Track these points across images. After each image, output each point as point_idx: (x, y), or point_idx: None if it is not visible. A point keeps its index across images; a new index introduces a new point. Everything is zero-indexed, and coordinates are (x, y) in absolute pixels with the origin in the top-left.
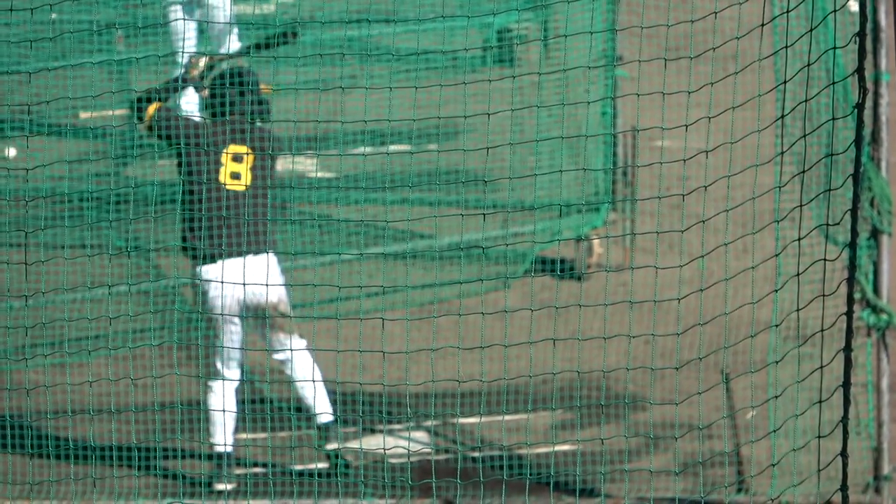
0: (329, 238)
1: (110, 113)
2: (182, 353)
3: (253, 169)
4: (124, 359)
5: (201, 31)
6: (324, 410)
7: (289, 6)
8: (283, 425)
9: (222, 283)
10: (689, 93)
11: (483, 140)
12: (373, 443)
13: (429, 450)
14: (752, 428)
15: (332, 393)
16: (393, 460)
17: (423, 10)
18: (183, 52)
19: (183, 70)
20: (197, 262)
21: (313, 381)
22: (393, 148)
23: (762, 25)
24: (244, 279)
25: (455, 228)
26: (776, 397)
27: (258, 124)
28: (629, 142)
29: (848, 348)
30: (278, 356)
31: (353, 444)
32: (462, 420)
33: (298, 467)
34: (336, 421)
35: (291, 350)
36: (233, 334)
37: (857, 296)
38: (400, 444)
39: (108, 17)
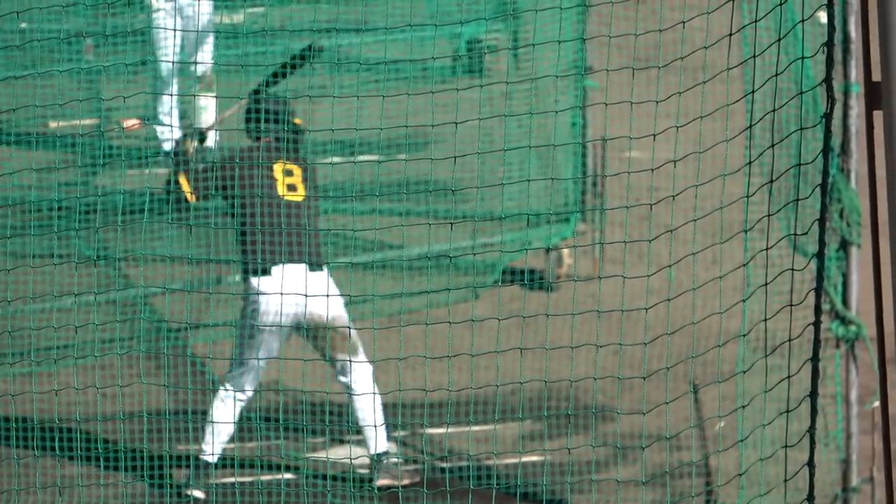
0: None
1: (79, 122)
2: (150, 362)
3: (304, 181)
4: (91, 368)
5: (182, 44)
6: (380, 440)
7: (258, 16)
8: (251, 436)
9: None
10: (657, 102)
11: (452, 150)
12: (340, 452)
13: (396, 459)
14: (720, 438)
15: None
16: (360, 470)
17: (393, 19)
18: (165, 60)
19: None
20: (256, 274)
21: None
22: (362, 158)
23: (730, 35)
24: (300, 290)
25: (424, 239)
26: (743, 407)
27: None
28: (598, 152)
29: (815, 358)
30: (342, 378)
31: (321, 454)
32: (429, 430)
33: (266, 477)
34: (386, 453)
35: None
36: (273, 349)
37: (826, 307)
38: (366, 454)
39: (77, 26)
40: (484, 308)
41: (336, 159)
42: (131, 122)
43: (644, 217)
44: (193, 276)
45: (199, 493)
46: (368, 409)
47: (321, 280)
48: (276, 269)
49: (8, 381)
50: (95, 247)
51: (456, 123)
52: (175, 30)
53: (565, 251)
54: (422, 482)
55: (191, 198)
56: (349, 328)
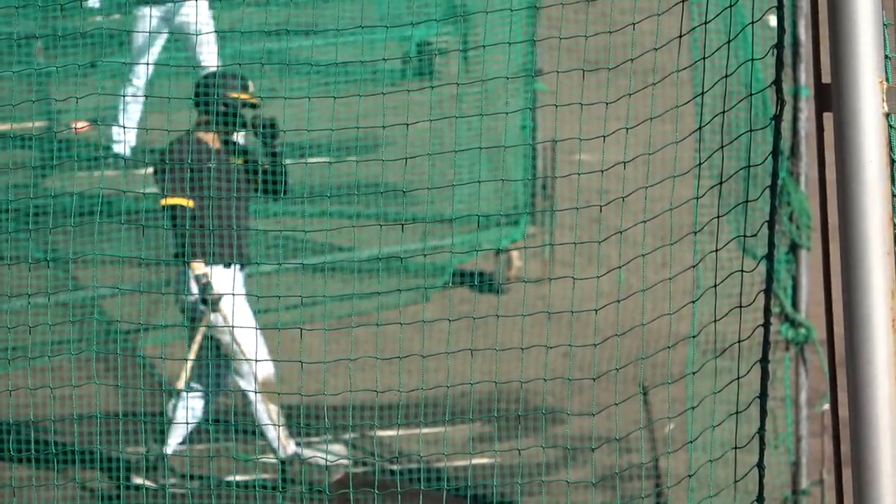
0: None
1: (31, 124)
2: (99, 364)
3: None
4: (41, 370)
5: (175, 41)
6: (283, 444)
7: (208, 18)
8: (200, 437)
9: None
10: (607, 104)
11: (402, 153)
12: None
13: (346, 461)
14: (670, 440)
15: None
16: (303, 474)
17: (343, 22)
18: (148, 62)
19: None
20: None
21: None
22: (312, 160)
23: (680, 37)
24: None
25: (374, 241)
26: (693, 409)
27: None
28: (548, 155)
29: (765, 360)
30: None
31: (271, 456)
32: (380, 432)
33: (217, 478)
34: (297, 455)
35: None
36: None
37: (775, 310)
38: (318, 455)
39: (27, 29)
40: (434, 310)
41: (286, 161)
42: (81, 125)
43: (594, 219)
44: (143, 277)
45: (148, 482)
46: (260, 411)
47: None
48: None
49: None
50: (46, 249)
51: (407, 125)
52: (125, 31)
53: (515, 253)
54: (372, 484)
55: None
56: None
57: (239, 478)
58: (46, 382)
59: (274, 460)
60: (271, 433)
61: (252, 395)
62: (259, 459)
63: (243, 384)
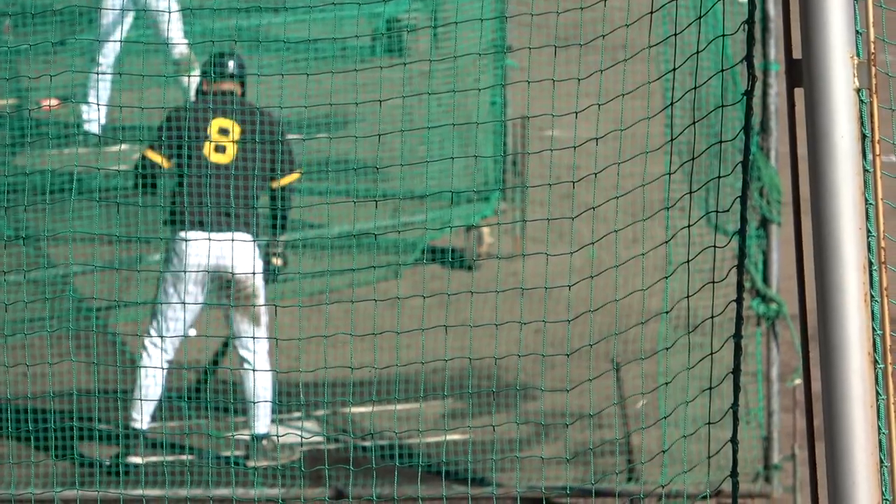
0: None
1: (0, 102)
2: (70, 341)
3: (240, 142)
4: (13, 348)
5: (137, 19)
6: (264, 421)
7: None
8: (172, 415)
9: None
10: (579, 80)
11: (373, 129)
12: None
13: (320, 438)
14: (643, 416)
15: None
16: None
17: None
18: (115, 40)
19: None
20: (176, 226)
21: (252, 395)
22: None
23: (651, 13)
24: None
25: (346, 217)
26: (666, 384)
27: (243, 98)
28: (519, 131)
29: (737, 335)
30: (241, 351)
31: (245, 433)
32: (353, 409)
33: (191, 456)
34: (267, 435)
35: (255, 351)
36: (194, 295)
37: (746, 285)
38: (291, 432)
39: None
40: (406, 287)
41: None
42: (52, 102)
43: (565, 195)
44: (114, 255)
45: (136, 459)
46: (261, 386)
47: (241, 241)
48: (193, 230)
49: None
50: (17, 226)
51: (378, 101)
52: (95, 8)
53: (485, 230)
54: (346, 461)
55: (166, 164)
56: (255, 294)
57: (214, 454)
58: (19, 360)
59: (247, 437)
60: (261, 409)
61: (255, 366)
62: (232, 436)
63: (247, 353)
